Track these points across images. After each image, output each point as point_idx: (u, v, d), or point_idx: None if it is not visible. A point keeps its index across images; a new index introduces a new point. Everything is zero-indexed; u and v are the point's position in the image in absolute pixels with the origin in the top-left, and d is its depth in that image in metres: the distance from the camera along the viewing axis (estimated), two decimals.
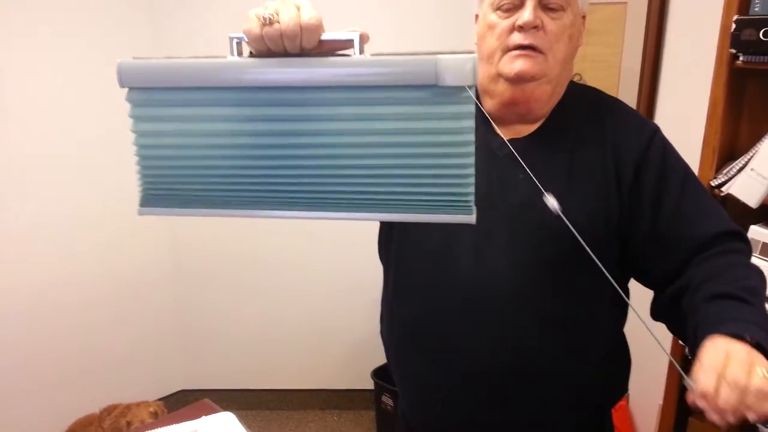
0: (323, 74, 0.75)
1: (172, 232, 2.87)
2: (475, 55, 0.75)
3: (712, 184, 1.68)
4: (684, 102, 1.97)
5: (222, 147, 0.79)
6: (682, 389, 1.85)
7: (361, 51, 0.76)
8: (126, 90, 0.79)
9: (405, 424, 1.28)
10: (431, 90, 0.74)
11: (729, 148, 1.75)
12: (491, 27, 1.03)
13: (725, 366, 0.78)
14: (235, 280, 2.93)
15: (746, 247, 1.05)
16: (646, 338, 2.11)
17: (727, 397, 0.76)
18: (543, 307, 1.05)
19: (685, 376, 0.82)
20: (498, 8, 1.02)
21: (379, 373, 2.66)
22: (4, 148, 2.32)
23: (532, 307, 1.05)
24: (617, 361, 1.18)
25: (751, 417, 0.77)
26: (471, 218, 0.78)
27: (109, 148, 2.57)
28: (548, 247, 1.03)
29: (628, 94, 2.02)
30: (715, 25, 1.63)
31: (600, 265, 0.82)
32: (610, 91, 1.14)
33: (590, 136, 1.07)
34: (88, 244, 2.61)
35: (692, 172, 1.08)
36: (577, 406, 1.13)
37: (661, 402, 1.93)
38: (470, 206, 0.78)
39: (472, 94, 0.74)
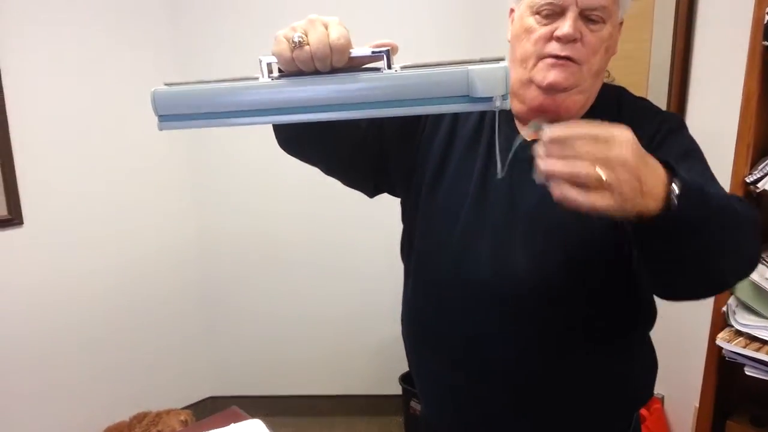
0: (356, 91, 0.76)
1: (199, 237, 2.88)
2: (507, 64, 0.74)
3: (747, 181, 1.64)
4: (716, 97, 1.93)
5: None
6: (719, 391, 1.82)
7: (390, 64, 0.76)
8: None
9: (426, 426, 1.28)
10: (463, 100, 0.74)
11: (764, 144, 1.71)
12: (528, 31, 1.01)
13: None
14: (262, 286, 2.93)
15: (748, 205, 0.93)
16: (681, 340, 2.08)
17: (579, 147, 0.70)
18: (560, 307, 1.03)
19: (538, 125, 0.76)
20: (537, 12, 0.99)
21: (407, 379, 2.64)
22: (27, 149, 2.35)
23: (550, 308, 1.03)
24: (640, 365, 1.15)
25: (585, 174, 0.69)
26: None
27: (132, 160, 2.60)
28: (567, 247, 1.01)
29: (658, 91, 1.98)
30: (747, 17, 1.59)
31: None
32: (639, 88, 1.12)
33: None
34: (115, 252, 2.63)
35: (698, 155, 1.01)
36: (596, 410, 1.10)
37: (697, 404, 1.89)
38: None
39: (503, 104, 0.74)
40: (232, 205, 2.84)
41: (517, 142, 0.97)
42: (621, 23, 1.06)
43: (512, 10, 1.07)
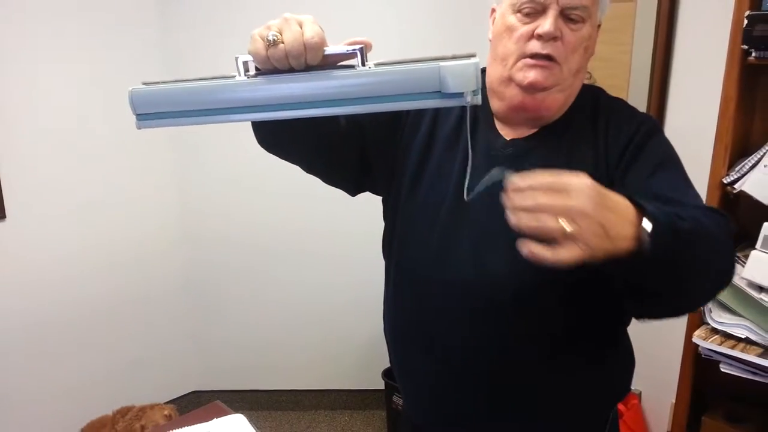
0: (330, 88, 0.77)
1: (183, 233, 2.87)
2: (477, 60, 0.75)
3: (725, 182, 1.67)
4: (696, 99, 1.96)
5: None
6: (695, 387, 1.85)
7: (365, 61, 0.77)
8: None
9: (407, 422, 1.29)
10: (435, 96, 0.76)
11: (741, 145, 1.74)
12: (510, 29, 1.02)
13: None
14: (247, 281, 2.93)
15: (720, 218, 0.91)
16: (658, 337, 2.11)
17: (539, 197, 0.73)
18: (540, 307, 1.04)
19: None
20: (518, 11, 1.01)
21: (389, 374, 2.65)
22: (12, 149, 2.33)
23: (529, 308, 1.04)
24: (618, 362, 1.17)
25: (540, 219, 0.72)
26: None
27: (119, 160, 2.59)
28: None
29: (639, 93, 2.01)
30: (727, 21, 1.62)
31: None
32: (620, 90, 1.13)
33: (585, 138, 1.06)
34: (99, 246, 2.62)
35: (674, 163, 1.02)
36: (575, 407, 1.12)
37: (673, 400, 1.93)
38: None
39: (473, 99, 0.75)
40: (217, 201, 2.83)
41: (492, 175, 0.97)
42: (599, 26, 1.07)
43: (493, 10, 1.09)
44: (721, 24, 1.67)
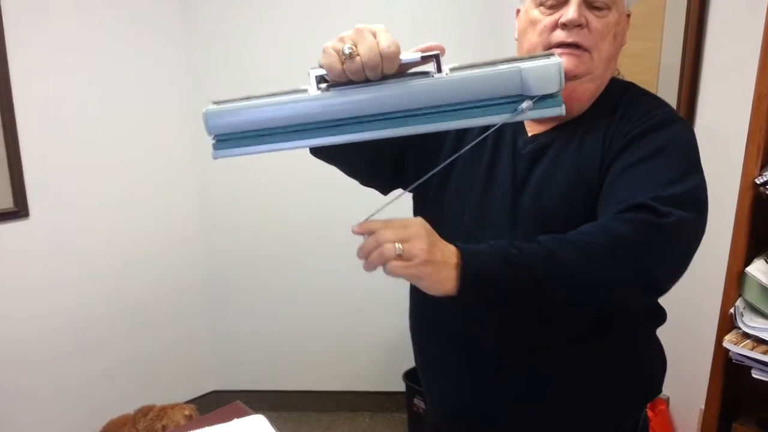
0: (410, 95, 0.76)
1: (204, 233, 2.88)
2: (559, 60, 0.73)
3: (757, 182, 1.63)
4: (727, 98, 1.91)
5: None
6: (725, 393, 1.81)
7: (440, 67, 0.76)
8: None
9: (432, 423, 1.29)
10: (517, 99, 0.75)
11: None
12: (533, 23, 1.01)
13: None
14: (267, 281, 2.93)
15: (647, 215, 0.86)
16: (687, 341, 2.07)
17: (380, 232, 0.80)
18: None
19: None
20: (540, 4, 1.00)
21: (410, 376, 2.63)
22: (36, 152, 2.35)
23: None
24: (648, 360, 1.15)
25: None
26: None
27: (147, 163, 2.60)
28: None
29: (668, 90, 1.97)
30: (761, 18, 1.58)
31: None
32: (649, 87, 1.10)
33: (600, 128, 1.03)
34: (120, 246, 2.64)
35: (672, 151, 0.95)
36: (606, 404, 1.10)
37: (702, 406, 1.89)
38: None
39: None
40: (239, 202, 2.84)
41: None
42: (629, 15, 1.05)
43: (518, 11, 1.08)
44: (755, 19, 1.64)
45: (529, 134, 1.08)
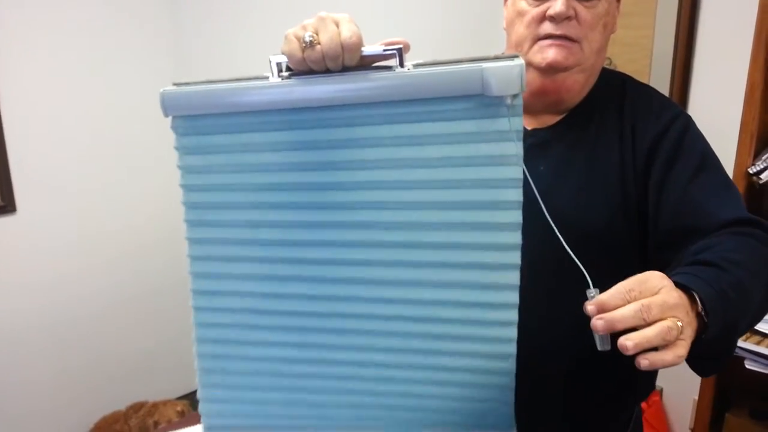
0: (368, 89, 0.75)
1: None
2: (522, 62, 0.71)
3: (750, 172, 1.62)
4: (720, 86, 1.90)
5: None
6: (719, 384, 1.81)
7: (403, 62, 0.75)
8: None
9: None
10: (476, 100, 0.73)
11: (767, 134, 1.68)
12: (520, 14, 0.99)
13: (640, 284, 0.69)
14: None
15: (763, 233, 0.89)
16: None
17: (624, 308, 0.67)
18: (559, 302, 1.00)
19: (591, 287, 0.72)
20: None
21: None
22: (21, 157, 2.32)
23: (547, 303, 1.00)
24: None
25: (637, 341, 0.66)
26: None
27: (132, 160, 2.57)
28: (570, 237, 0.99)
29: (661, 79, 1.95)
30: (753, 4, 1.57)
31: (580, 265, 0.79)
32: (641, 76, 1.09)
33: (611, 125, 1.02)
34: (111, 241, 2.62)
35: (713, 160, 0.98)
36: (601, 401, 1.09)
37: (696, 397, 1.89)
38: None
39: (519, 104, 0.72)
40: None
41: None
42: (619, 1, 1.03)
43: (506, 0, 1.06)
44: (747, 7, 1.62)
45: (528, 128, 1.05)
